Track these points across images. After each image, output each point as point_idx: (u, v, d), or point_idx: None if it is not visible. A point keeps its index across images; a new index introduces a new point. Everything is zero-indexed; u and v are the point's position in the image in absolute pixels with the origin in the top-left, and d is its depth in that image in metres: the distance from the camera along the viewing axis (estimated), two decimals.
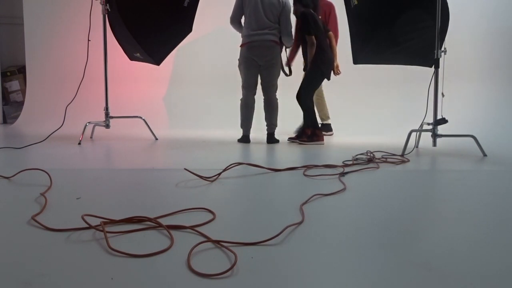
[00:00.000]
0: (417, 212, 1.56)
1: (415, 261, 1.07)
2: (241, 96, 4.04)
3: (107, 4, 3.97)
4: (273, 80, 3.95)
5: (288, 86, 4.36)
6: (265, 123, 4.04)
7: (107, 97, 4.22)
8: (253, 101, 3.99)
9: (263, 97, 4.01)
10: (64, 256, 1.08)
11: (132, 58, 4.31)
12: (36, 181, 2.03)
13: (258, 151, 3.37)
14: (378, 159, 2.91)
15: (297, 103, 4.05)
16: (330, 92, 6.29)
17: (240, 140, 3.99)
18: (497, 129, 4.67)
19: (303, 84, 4.05)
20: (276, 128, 4.04)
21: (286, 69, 4.13)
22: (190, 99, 6.40)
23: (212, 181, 2.11)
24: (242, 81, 3.99)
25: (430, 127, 3.35)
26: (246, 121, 4.00)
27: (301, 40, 4.04)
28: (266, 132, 4.02)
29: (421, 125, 3.70)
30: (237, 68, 4.03)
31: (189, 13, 3.94)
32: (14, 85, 6.73)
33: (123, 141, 4.03)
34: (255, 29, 3.82)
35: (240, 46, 3.94)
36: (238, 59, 3.98)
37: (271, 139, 3.99)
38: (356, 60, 3.71)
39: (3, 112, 6.61)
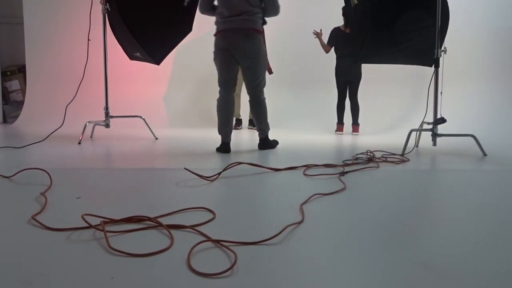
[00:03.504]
0: (417, 212, 1.56)
1: (415, 260, 1.07)
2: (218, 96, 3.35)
3: (107, 4, 3.97)
4: (259, 77, 3.27)
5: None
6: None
7: (107, 97, 4.21)
8: (232, 101, 3.31)
9: (248, 98, 3.44)
10: (64, 255, 1.08)
11: (132, 57, 4.30)
12: (36, 181, 2.03)
13: (258, 151, 3.37)
14: (378, 158, 2.91)
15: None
16: (330, 92, 6.30)
17: (218, 149, 3.31)
18: (497, 129, 4.68)
19: None
20: (269, 130, 3.51)
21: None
22: (190, 99, 6.40)
23: (212, 180, 2.11)
24: (218, 77, 3.31)
25: (430, 126, 3.36)
26: (225, 126, 3.29)
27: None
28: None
29: (421, 125, 3.70)
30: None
31: (189, 13, 3.94)
32: (14, 84, 6.73)
33: (123, 141, 4.03)
34: (228, 15, 3.10)
35: (214, 35, 3.26)
36: (214, 52, 3.27)
37: (264, 144, 3.45)
38: (356, 59, 3.72)
39: (3, 111, 6.62)
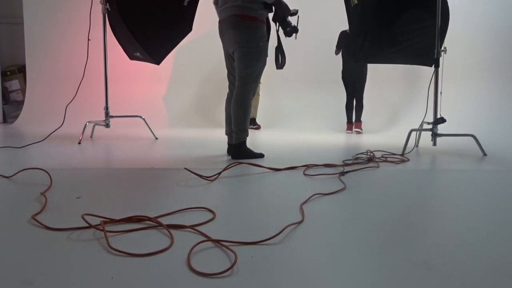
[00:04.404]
0: (417, 212, 1.56)
1: (414, 260, 1.07)
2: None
3: (107, 4, 3.97)
4: (244, 69, 2.86)
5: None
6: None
7: (107, 97, 4.22)
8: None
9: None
10: (65, 255, 1.08)
11: (132, 57, 4.31)
12: (36, 181, 2.03)
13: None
14: (378, 158, 2.91)
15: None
16: (331, 92, 6.30)
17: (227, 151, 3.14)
18: (497, 129, 4.67)
19: None
20: (247, 136, 2.94)
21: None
22: (190, 99, 6.40)
23: (212, 180, 2.11)
24: None
25: (430, 126, 3.36)
26: (227, 125, 3.07)
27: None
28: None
29: (421, 125, 3.70)
30: None
31: (189, 13, 3.94)
32: (14, 84, 6.73)
33: (123, 141, 4.03)
34: (220, 6, 2.92)
35: None
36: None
37: (238, 152, 2.88)
38: (356, 59, 3.72)
39: (3, 111, 6.62)
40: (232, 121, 2.93)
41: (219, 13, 2.95)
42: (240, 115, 2.88)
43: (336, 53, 5.53)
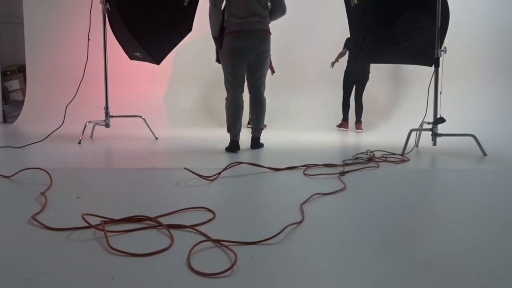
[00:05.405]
0: (417, 211, 1.56)
1: (415, 260, 1.07)
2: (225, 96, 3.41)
3: (107, 4, 3.97)
4: (264, 77, 3.39)
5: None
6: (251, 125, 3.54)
7: (107, 96, 4.22)
8: (242, 100, 3.39)
9: (249, 96, 3.46)
10: (64, 255, 1.08)
11: (132, 57, 4.30)
12: (36, 180, 2.03)
13: (258, 150, 3.37)
14: (378, 158, 2.91)
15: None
16: (331, 92, 6.29)
17: (228, 149, 3.33)
18: (497, 129, 4.67)
19: None
20: (263, 130, 3.54)
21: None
22: (190, 99, 6.40)
23: (212, 180, 2.11)
24: (226, 77, 3.33)
25: (430, 126, 3.36)
26: (234, 125, 3.37)
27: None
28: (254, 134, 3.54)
29: (421, 124, 3.70)
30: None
31: (189, 12, 3.94)
32: (14, 84, 6.73)
33: (123, 141, 4.03)
34: (244, 16, 3.17)
35: (226, 35, 3.24)
36: (218, 51, 3.37)
37: (256, 144, 3.51)
38: (356, 59, 3.72)
39: (3, 111, 6.61)
40: (256, 119, 3.46)
41: (244, 23, 3.17)
42: (264, 114, 3.48)
43: (343, 54, 5.56)
